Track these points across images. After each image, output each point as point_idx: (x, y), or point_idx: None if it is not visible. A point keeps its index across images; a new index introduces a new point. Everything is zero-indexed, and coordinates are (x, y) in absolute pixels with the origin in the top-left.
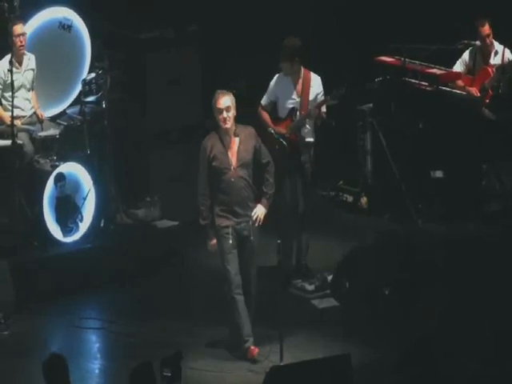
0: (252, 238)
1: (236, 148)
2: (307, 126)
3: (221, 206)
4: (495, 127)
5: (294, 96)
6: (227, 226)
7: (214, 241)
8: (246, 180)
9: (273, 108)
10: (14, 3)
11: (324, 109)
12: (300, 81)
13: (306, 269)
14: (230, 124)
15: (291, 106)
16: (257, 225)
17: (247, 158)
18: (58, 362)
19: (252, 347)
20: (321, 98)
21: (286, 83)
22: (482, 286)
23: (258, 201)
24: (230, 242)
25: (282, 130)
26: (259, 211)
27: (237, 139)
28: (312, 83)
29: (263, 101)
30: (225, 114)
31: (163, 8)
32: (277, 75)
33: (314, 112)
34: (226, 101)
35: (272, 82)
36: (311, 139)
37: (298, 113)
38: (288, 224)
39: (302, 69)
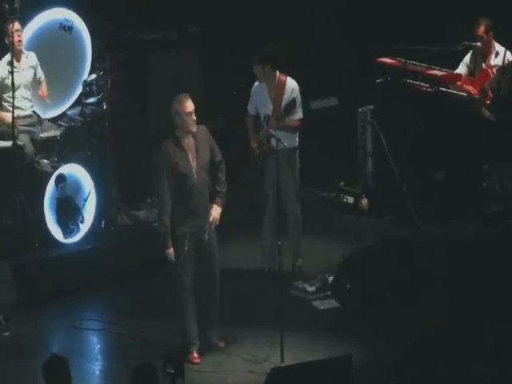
0: (206, 239)
1: (194, 150)
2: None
3: (181, 211)
4: (496, 128)
5: (269, 103)
6: (184, 233)
7: (171, 249)
8: (207, 181)
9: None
10: (14, 4)
11: (297, 116)
12: (274, 87)
13: (299, 271)
14: (196, 126)
15: (266, 112)
16: (213, 226)
17: (206, 158)
18: (59, 363)
19: (195, 355)
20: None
21: (262, 90)
22: (483, 286)
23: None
24: (187, 248)
25: (254, 139)
26: (215, 212)
27: (193, 140)
28: (286, 89)
29: (248, 108)
30: (193, 117)
31: (164, 9)
32: (256, 82)
33: (273, 124)
34: (191, 103)
35: (252, 89)
36: (284, 145)
37: (269, 120)
38: (267, 226)
39: (278, 74)
